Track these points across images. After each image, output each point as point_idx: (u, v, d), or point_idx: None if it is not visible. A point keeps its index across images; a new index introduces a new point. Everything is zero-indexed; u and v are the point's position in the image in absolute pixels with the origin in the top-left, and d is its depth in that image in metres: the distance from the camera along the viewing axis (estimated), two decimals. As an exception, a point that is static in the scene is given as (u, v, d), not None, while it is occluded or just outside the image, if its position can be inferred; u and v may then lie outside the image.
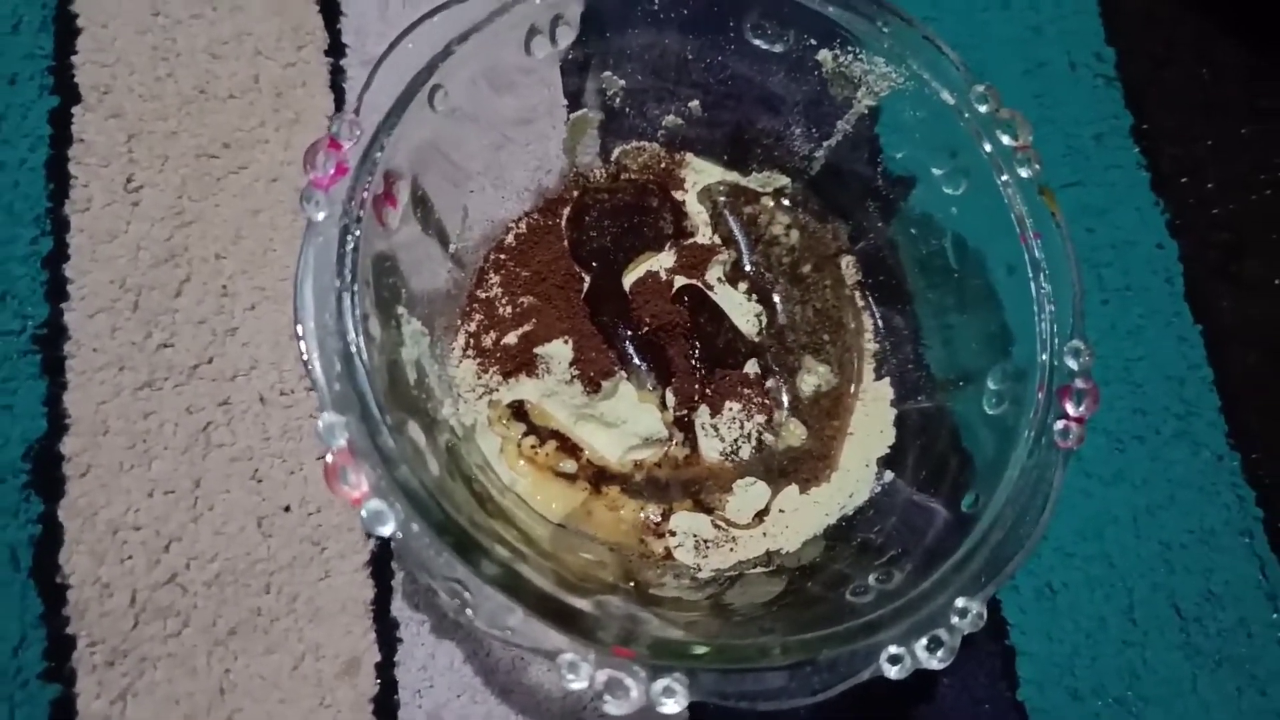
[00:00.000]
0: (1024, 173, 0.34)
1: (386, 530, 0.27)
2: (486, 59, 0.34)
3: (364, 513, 0.27)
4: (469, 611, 0.27)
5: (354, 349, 0.29)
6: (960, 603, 0.29)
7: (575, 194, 0.41)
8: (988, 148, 0.34)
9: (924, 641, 0.28)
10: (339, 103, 0.43)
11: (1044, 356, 0.32)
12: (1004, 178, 0.34)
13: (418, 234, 0.34)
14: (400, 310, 0.33)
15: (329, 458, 0.28)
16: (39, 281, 0.38)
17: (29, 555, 0.35)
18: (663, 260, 0.40)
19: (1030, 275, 0.33)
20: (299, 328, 0.28)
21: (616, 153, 0.41)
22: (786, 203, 0.42)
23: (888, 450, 0.38)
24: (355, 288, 0.29)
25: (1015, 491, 0.31)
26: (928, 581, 0.30)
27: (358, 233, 0.30)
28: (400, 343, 0.33)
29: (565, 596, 0.28)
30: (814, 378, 0.39)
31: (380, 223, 0.32)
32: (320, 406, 0.28)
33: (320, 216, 0.30)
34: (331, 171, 0.30)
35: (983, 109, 0.34)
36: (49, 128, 0.40)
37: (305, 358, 0.28)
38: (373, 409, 0.28)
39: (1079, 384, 0.31)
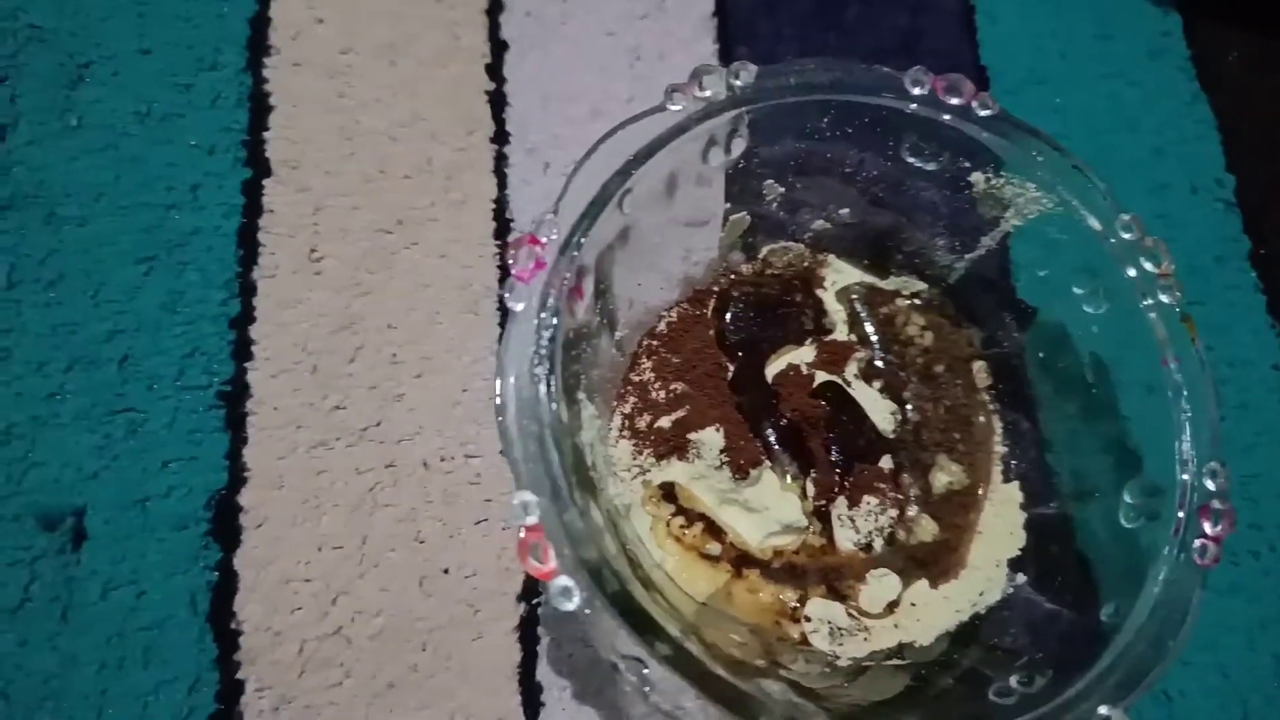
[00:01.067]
0: (1166, 299, 0.35)
1: (572, 605, 0.29)
2: (669, 166, 0.36)
3: (551, 589, 0.29)
4: (646, 689, 0.29)
5: (549, 432, 0.31)
6: (1103, 710, 0.30)
7: (723, 285, 0.43)
8: (1131, 272, 0.36)
9: (1068, 746, 0.30)
10: (501, 186, 0.46)
11: (1184, 476, 0.33)
12: (1147, 302, 0.35)
13: (596, 324, 0.37)
14: (580, 395, 0.35)
15: (521, 534, 0.30)
16: (226, 341, 0.41)
17: (206, 600, 0.38)
18: (803, 355, 0.42)
19: (1170, 398, 0.34)
20: (501, 412, 0.31)
21: (764, 251, 0.44)
22: (920, 303, 0.44)
23: (1018, 552, 0.40)
24: (552, 376, 0.32)
25: (1157, 606, 0.32)
26: (1071, 689, 0.31)
27: (554, 323, 0.32)
28: (580, 426, 0.35)
29: (733, 679, 0.30)
30: (946, 475, 0.41)
31: (569, 313, 0.34)
32: (515, 485, 0.30)
33: (519, 307, 0.32)
34: (531, 266, 0.33)
35: (1127, 236, 0.36)
36: (242, 197, 0.43)
37: (505, 438, 0.31)
38: (563, 490, 0.30)
39: (1216, 504, 0.33)
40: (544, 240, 0.33)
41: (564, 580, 0.29)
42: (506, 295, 0.32)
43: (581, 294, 0.35)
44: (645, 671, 0.29)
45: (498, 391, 0.31)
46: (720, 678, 0.30)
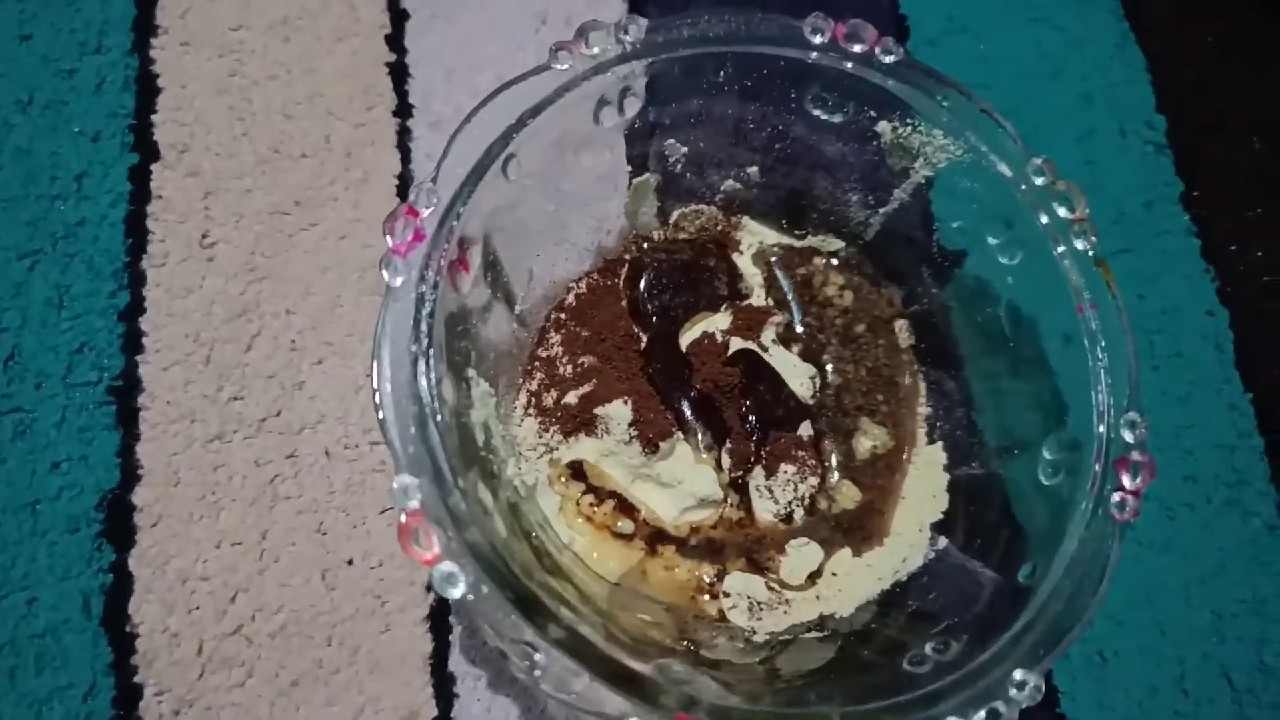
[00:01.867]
0: (1080, 244, 0.34)
1: (457, 592, 0.28)
2: (557, 129, 0.34)
3: (435, 574, 0.28)
4: (536, 674, 0.28)
5: (429, 412, 0.29)
6: (1018, 675, 0.29)
7: (633, 253, 0.42)
8: (1044, 219, 0.34)
9: (982, 714, 0.28)
10: (405, 161, 0.44)
11: (1101, 428, 0.32)
12: (1060, 249, 0.34)
13: (487, 297, 0.35)
14: (470, 372, 0.34)
15: (402, 519, 0.29)
16: (116, 334, 0.40)
17: (100, 604, 0.37)
18: (718, 321, 0.41)
19: (1087, 346, 0.33)
20: (376, 392, 0.29)
21: (675, 215, 0.42)
22: (838, 262, 0.42)
23: (941, 516, 0.38)
24: (431, 352, 0.30)
25: (1073, 564, 0.31)
26: (986, 653, 0.30)
27: (434, 298, 0.31)
28: (470, 405, 0.33)
29: (628, 660, 0.29)
30: (869, 439, 0.40)
31: (454, 287, 0.33)
32: (395, 469, 0.29)
33: (398, 282, 0.31)
34: (409, 238, 0.31)
35: (1039, 181, 0.35)
36: (129, 184, 0.42)
37: (382, 421, 0.29)
38: (445, 472, 0.29)
39: (1135, 456, 0.32)
40: (423, 211, 0.32)
41: (448, 565, 0.28)
42: (384, 270, 0.31)
43: (467, 266, 0.34)
44: (536, 657, 0.28)
45: (373, 372, 0.30)
46: (614, 660, 0.28)
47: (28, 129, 0.42)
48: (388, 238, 0.31)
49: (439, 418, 0.30)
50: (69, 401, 0.39)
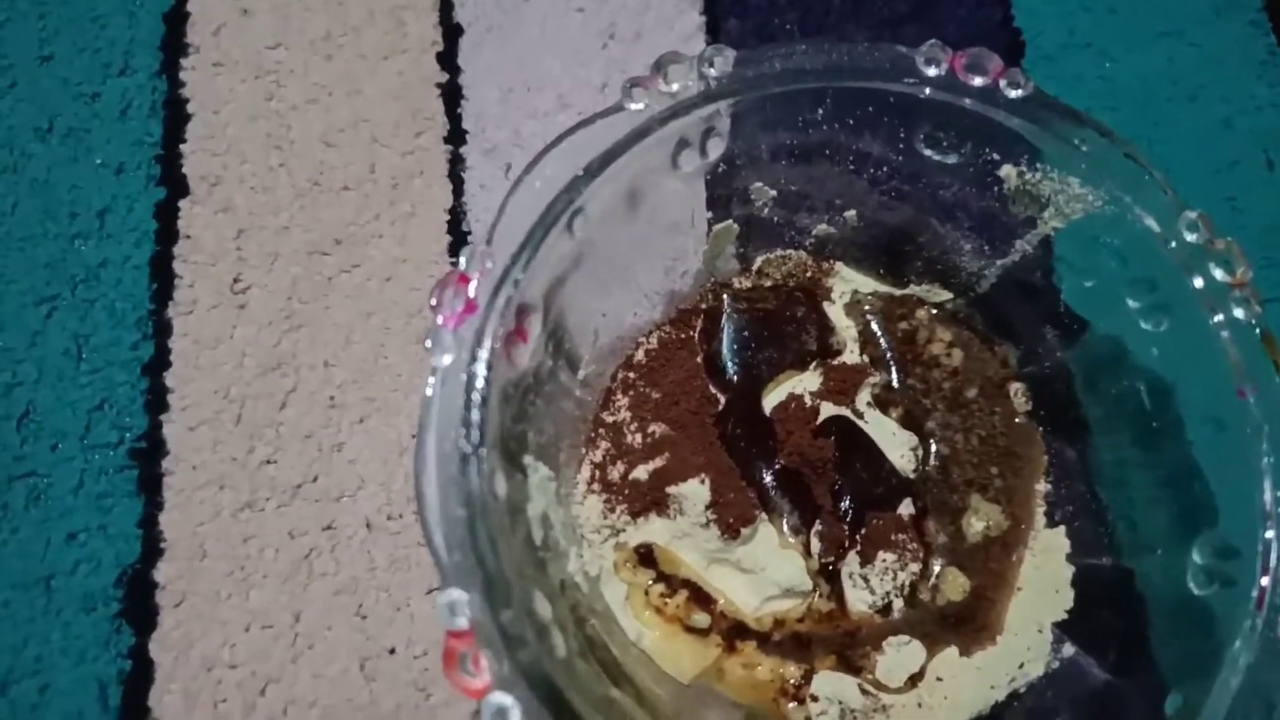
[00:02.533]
0: (1240, 313, 0.29)
1: (510, 730, 0.24)
2: (630, 177, 0.31)
3: (485, 708, 0.25)
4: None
5: (479, 515, 0.26)
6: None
7: (710, 302, 0.38)
8: (1198, 282, 0.30)
9: None
10: (457, 194, 0.41)
11: (1269, 534, 0.28)
12: (1217, 318, 0.30)
13: (548, 366, 0.32)
14: (527, 459, 0.30)
15: (447, 641, 0.25)
16: (139, 390, 0.38)
17: (118, 694, 0.35)
18: (807, 382, 0.37)
19: (1249, 434, 0.29)
20: (420, 495, 0.26)
21: (759, 261, 0.39)
22: (945, 315, 0.38)
23: (1065, 615, 0.35)
24: (482, 448, 0.26)
25: (1237, 697, 0.26)
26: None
27: (485, 379, 0.27)
28: (527, 497, 0.30)
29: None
30: (980, 520, 0.36)
31: (509, 361, 0.29)
32: (441, 582, 0.25)
33: (446, 361, 0.27)
34: (459, 309, 0.27)
35: (1193, 238, 0.30)
36: (155, 221, 0.40)
37: (426, 526, 0.26)
38: (498, 583, 0.26)
39: (1313, 571, 0.27)
40: (474, 277, 0.28)
41: (499, 697, 0.25)
42: (429, 347, 0.27)
43: (525, 337, 0.30)
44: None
45: (415, 472, 0.26)
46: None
47: (46, 159, 0.41)
48: (434, 308, 0.27)
49: (490, 521, 0.26)
50: (87, 465, 0.37)
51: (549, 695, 0.25)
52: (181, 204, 0.40)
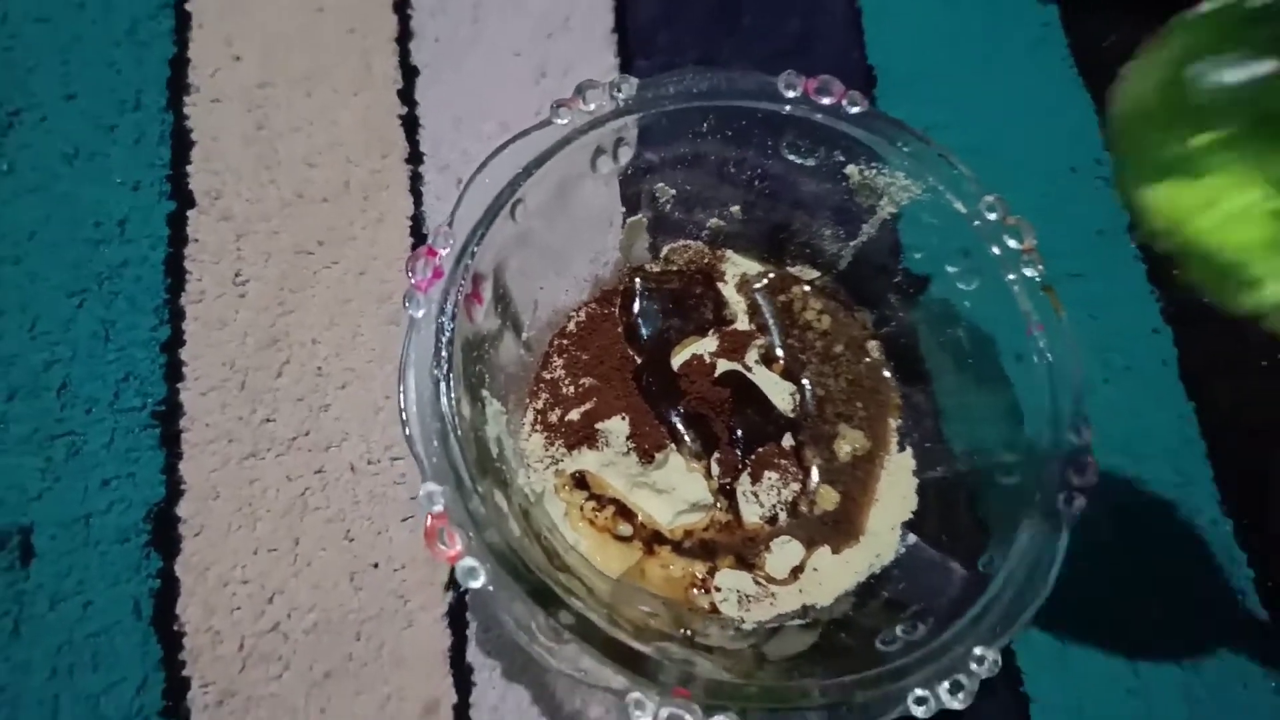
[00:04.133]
0: (1029, 272, 0.38)
1: (477, 584, 0.32)
2: (559, 175, 0.39)
3: (458, 569, 0.32)
4: (548, 655, 0.32)
5: (450, 428, 0.33)
6: (978, 651, 0.33)
7: (628, 284, 0.46)
8: (996, 250, 0.38)
9: (946, 685, 0.32)
10: (417, 203, 0.48)
11: (1050, 434, 0.36)
12: (1011, 276, 0.38)
13: (498, 325, 0.39)
14: (484, 393, 0.38)
15: (428, 522, 0.32)
16: (158, 364, 0.44)
17: (150, 606, 0.40)
18: (706, 345, 0.45)
19: (1036, 363, 0.37)
20: (404, 411, 0.33)
21: (665, 250, 0.46)
22: (816, 291, 0.46)
23: (911, 515, 0.42)
24: (450, 375, 0.34)
25: (1025, 553, 0.34)
26: (949, 633, 0.33)
27: (452, 328, 0.35)
28: (484, 421, 0.37)
29: (630, 642, 0.32)
30: (848, 443, 0.43)
31: (469, 318, 0.37)
32: (421, 477, 0.33)
33: (420, 314, 0.35)
34: (429, 276, 0.35)
35: (992, 216, 0.39)
36: (167, 229, 0.46)
37: (408, 436, 0.33)
38: (465, 479, 0.33)
39: (1081, 458, 0.36)
40: (441, 251, 0.36)
41: (469, 561, 0.32)
42: (407, 303, 0.35)
43: (480, 299, 0.37)
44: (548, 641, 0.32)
45: (400, 393, 0.34)
46: (619, 641, 0.32)
47: (73, 179, 0.46)
48: (410, 275, 0.35)
49: (458, 433, 0.33)
50: (117, 425, 0.42)
51: (507, 562, 0.32)
52: (189, 214, 0.46)
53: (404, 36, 0.51)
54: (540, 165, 0.37)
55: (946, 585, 0.39)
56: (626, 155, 0.41)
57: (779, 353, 0.45)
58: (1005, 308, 0.38)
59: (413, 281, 0.35)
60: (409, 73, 0.51)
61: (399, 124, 0.49)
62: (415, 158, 0.49)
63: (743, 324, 0.46)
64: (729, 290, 0.46)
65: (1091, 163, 0.52)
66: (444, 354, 0.34)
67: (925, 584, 0.40)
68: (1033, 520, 0.35)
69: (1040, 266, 0.38)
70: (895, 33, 0.54)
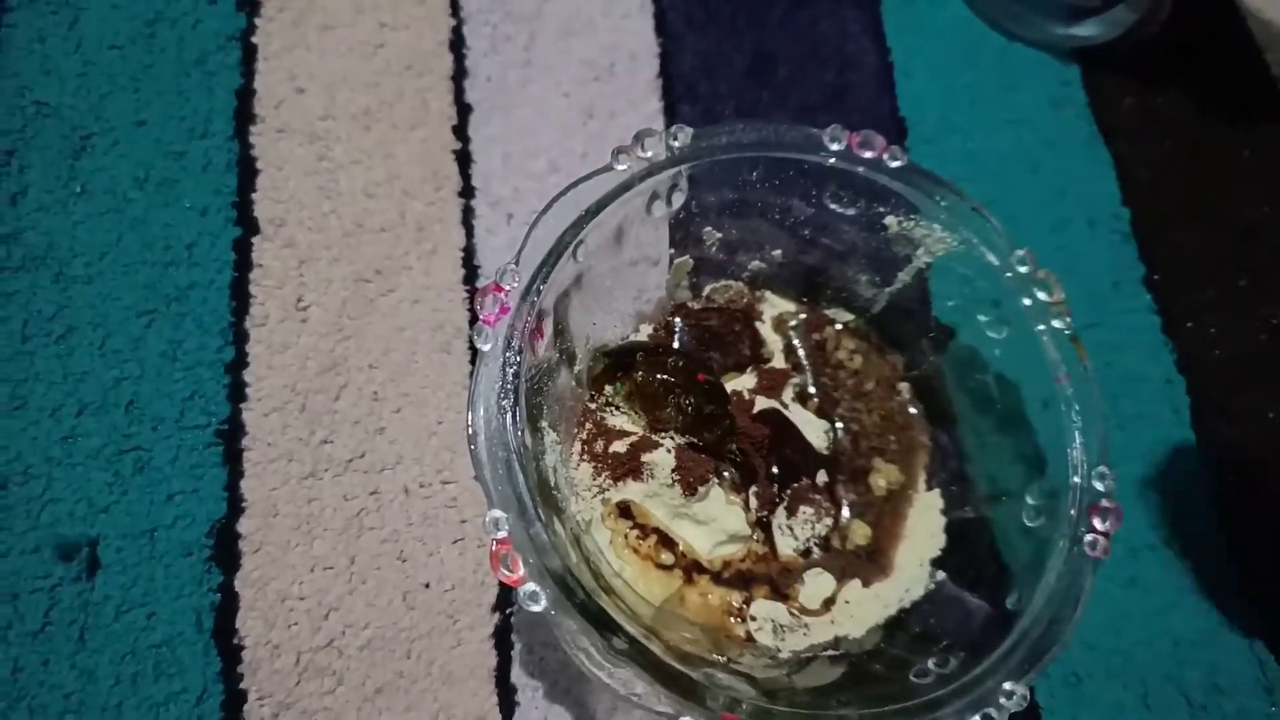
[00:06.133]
0: (1057, 324, 0.40)
1: (539, 607, 0.33)
2: (617, 219, 0.40)
3: (520, 593, 0.34)
4: (603, 676, 0.34)
5: (515, 457, 0.35)
6: (1007, 686, 0.34)
7: (669, 320, 0.48)
8: (1027, 302, 0.40)
9: (978, 718, 0.34)
10: (469, 236, 0.50)
11: (1076, 479, 0.38)
12: (1040, 327, 0.40)
13: (555, 359, 0.41)
14: (543, 424, 0.40)
15: (493, 546, 0.34)
16: (222, 385, 0.45)
17: (210, 619, 0.42)
18: (745, 381, 0.47)
19: (1063, 410, 0.39)
20: (472, 441, 0.35)
21: (707, 289, 0.48)
22: (849, 332, 0.49)
23: (939, 553, 0.44)
24: (517, 407, 0.36)
25: (1053, 594, 0.36)
26: (979, 668, 0.35)
27: (518, 361, 0.36)
28: (543, 451, 0.39)
29: (680, 667, 0.34)
30: (883, 477, 0.45)
31: (532, 351, 0.38)
32: (487, 504, 0.34)
33: (487, 347, 0.36)
34: (496, 311, 0.37)
35: (1023, 269, 0.40)
36: (233, 254, 0.47)
37: (477, 463, 0.35)
38: (528, 507, 0.34)
39: (1105, 503, 0.37)
40: (507, 288, 0.38)
41: (531, 585, 0.34)
42: (475, 337, 0.37)
43: (542, 334, 0.39)
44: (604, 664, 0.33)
45: (470, 422, 0.35)
46: (671, 666, 0.34)
47: (144, 203, 0.48)
48: (479, 309, 0.37)
49: (522, 461, 0.35)
50: (182, 442, 0.44)
51: (566, 587, 0.34)
52: (254, 240, 0.47)
53: (459, 74, 0.53)
54: (602, 209, 0.39)
55: (974, 622, 0.40)
56: (679, 200, 0.43)
57: (812, 390, 0.47)
58: (1033, 356, 0.40)
59: (481, 316, 0.37)
60: (463, 110, 0.53)
61: (453, 159, 0.51)
62: (467, 192, 0.51)
63: (778, 361, 0.48)
64: (766, 329, 0.48)
65: (1109, 216, 0.54)
66: (510, 386, 0.36)
67: (953, 619, 0.42)
68: (1059, 562, 0.37)
69: (1068, 318, 0.40)
70: (925, 87, 0.56)
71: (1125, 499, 0.48)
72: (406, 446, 0.46)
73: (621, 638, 0.34)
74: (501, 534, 0.34)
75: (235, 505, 0.43)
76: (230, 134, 0.50)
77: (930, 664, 0.38)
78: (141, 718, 0.40)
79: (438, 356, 0.47)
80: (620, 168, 0.40)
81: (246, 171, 0.49)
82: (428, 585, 0.43)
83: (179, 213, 0.48)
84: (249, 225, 0.48)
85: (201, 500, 0.43)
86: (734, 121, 0.42)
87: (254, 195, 0.49)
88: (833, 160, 0.42)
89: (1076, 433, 0.38)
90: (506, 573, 0.34)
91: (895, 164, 0.41)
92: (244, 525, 0.43)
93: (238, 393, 0.45)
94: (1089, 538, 0.37)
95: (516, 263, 0.38)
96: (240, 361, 0.46)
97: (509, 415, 0.36)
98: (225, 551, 0.43)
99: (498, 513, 0.34)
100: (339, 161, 0.50)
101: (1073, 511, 0.37)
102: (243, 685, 0.41)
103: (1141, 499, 0.49)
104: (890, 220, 0.43)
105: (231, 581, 0.42)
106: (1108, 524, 0.37)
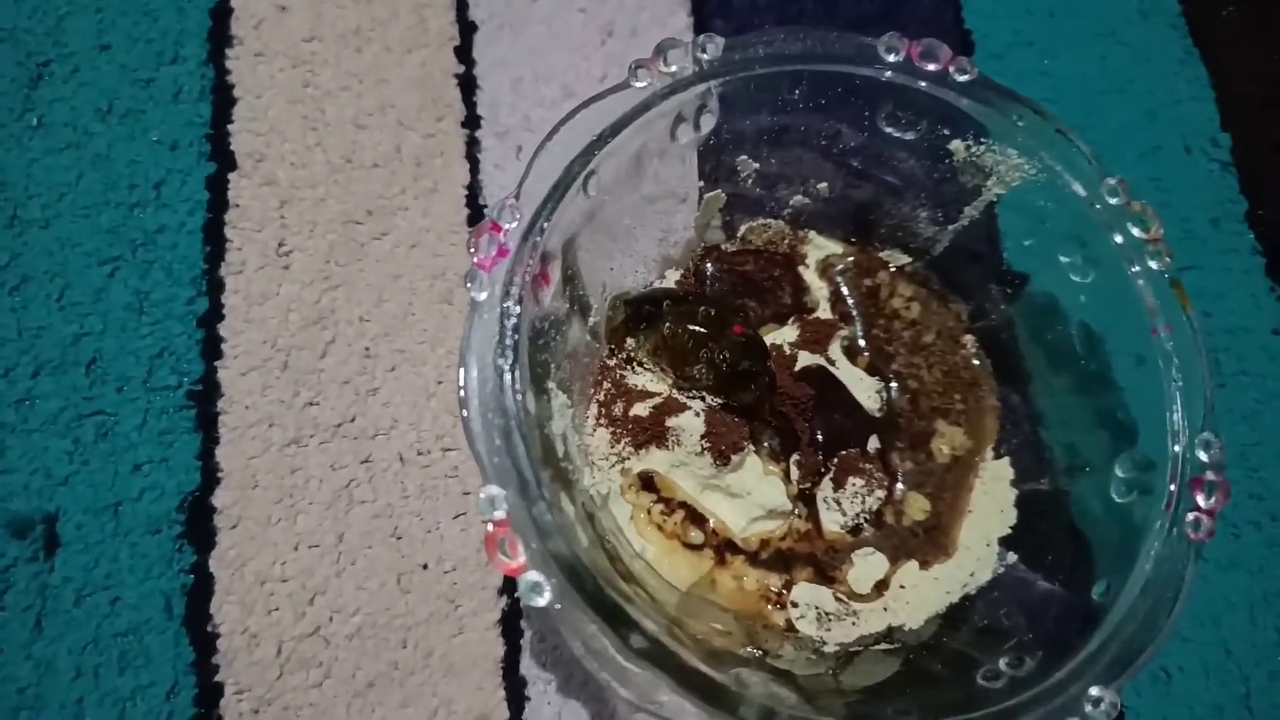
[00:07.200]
0: (1155, 265, 0.34)
1: (543, 601, 0.29)
2: (636, 145, 0.35)
3: (521, 585, 0.29)
4: (616, 684, 0.29)
5: (514, 424, 0.30)
6: (1094, 692, 0.30)
7: (699, 264, 0.43)
8: (1119, 239, 0.35)
9: (1059, 730, 0.29)
10: (474, 172, 0.45)
11: (1176, 449, 0.32)
12: (1135, 269, 0.34)
13: (565, 309, 0.36)
14: (550, 384, 0.35)
15: (489, 529, 0.29)
16: (195, 340, 0.41)
17: (182, 604, 0.38)
18: (786, 334, 0.42)
19: (1161, 368, 0.33)
20: (464, 405, 0.30)
21: (742, 229, 0.43)
22: (905, 276, 0.43)
23: (1009, 530, 0.39)
24: (516, 366, 0.31)
25: (1149, 584, 0.31)
26: (1062, 671, 0.30)
27: (518, 312, 0.31)
28: (550, 416, 0.34)
29: (707, 670, 0.29)
30: (946, 443, 0.40)
31: (536, 301, 0.33)
32: (482, 479, 0.30)
33: (483, 296, 0.32)
34: (493, 253, 0.32)
35: (1114, 201, 0.35)
36: (207, 193, 0.43)
37: (469, 433, 0.30)
38: (530, 482, 0.30)
39: (1210, 476, 0.32)
40: (506, 227, 0.32)
41: (534, 575, 0.29)
42: (468, 284, 0.32)
43: (547, 280, 0.34)
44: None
45: (460, 384, 0.31)
46: (697, 670, 0.29)
47: (107, 137, 0.44)
48: (472, 253, 0.32)
49: (523, 430, 0.30)
50: (150, 405, 0.40)
51: (575, 577, 0.29)
52: (230, 177, 0.43)
53: (462, -10, 0.48)
54: (617, 133, 0.34)
55: (1051, 613, 0.36)
56: (709, 124, 0.37)
57: (862, 343, 0.42)
58: (1125, 304, 0.35)
59: (475, 260, 0.32)
60: (466, 29, 0.48)
61: (455, 84, 0.47)
62: (472, 122, 0.47)
63: (824, 311, 0.43)
64: (810, 275, 0.43)
65: (1207, 143, 0.48)
66: (510, 341, 0.31)
67: (1027, 610, 0.37)
68: (1156, 546, 0.32)
69: (1168, 259, 0.35)
70: (993, -5, 0.50)
71: (1228, 469, 0.42)
72: (402, 409, 0.42)
73: (640, 635, 0.29)
74: (498, 514, 0.30)
75: (209, 476, 0.40)
76: (204, 58, 0.46)
77: (1001, 664, 0.33)
78: (105, 714, 0.37)
79: (437, 308, 0.43)
80: (639, 84, 0.35)
81: (222, 100, 0.45)
82: (425, 566, 0.40)
83: (146, 147, 0.44)
84: (225, 160, 0.44)
85: (171, 470, 0.40)
86: (773, 30, 0.37)
87: (230, 127, 0.45)
88: (889, 74, 0.36)
89: (1178, 394, 0.33)
90: (505, 559, 0.30)
91: (964, 78, 0.36)
92: (219, 498, 0.40)
93: (212, 349, 0.42)
94: (1191, 517, 0.32)
95: (517, 197, 0.33)
96: (215, 314, 0.42)
97: (507, 375, 0.31)
98: (198, 528, 0.39)
99: (494, 489, 0.30)
100: (326, 88, 0.46)
101: (1172, 486, 0.32)
102: (218, 678, 0.38)
103: (1244, 468, 0.44)
104: (956, 145, 0.38)
105: (205, 562, 0.39)
106: (1213, 501, 0.32)
